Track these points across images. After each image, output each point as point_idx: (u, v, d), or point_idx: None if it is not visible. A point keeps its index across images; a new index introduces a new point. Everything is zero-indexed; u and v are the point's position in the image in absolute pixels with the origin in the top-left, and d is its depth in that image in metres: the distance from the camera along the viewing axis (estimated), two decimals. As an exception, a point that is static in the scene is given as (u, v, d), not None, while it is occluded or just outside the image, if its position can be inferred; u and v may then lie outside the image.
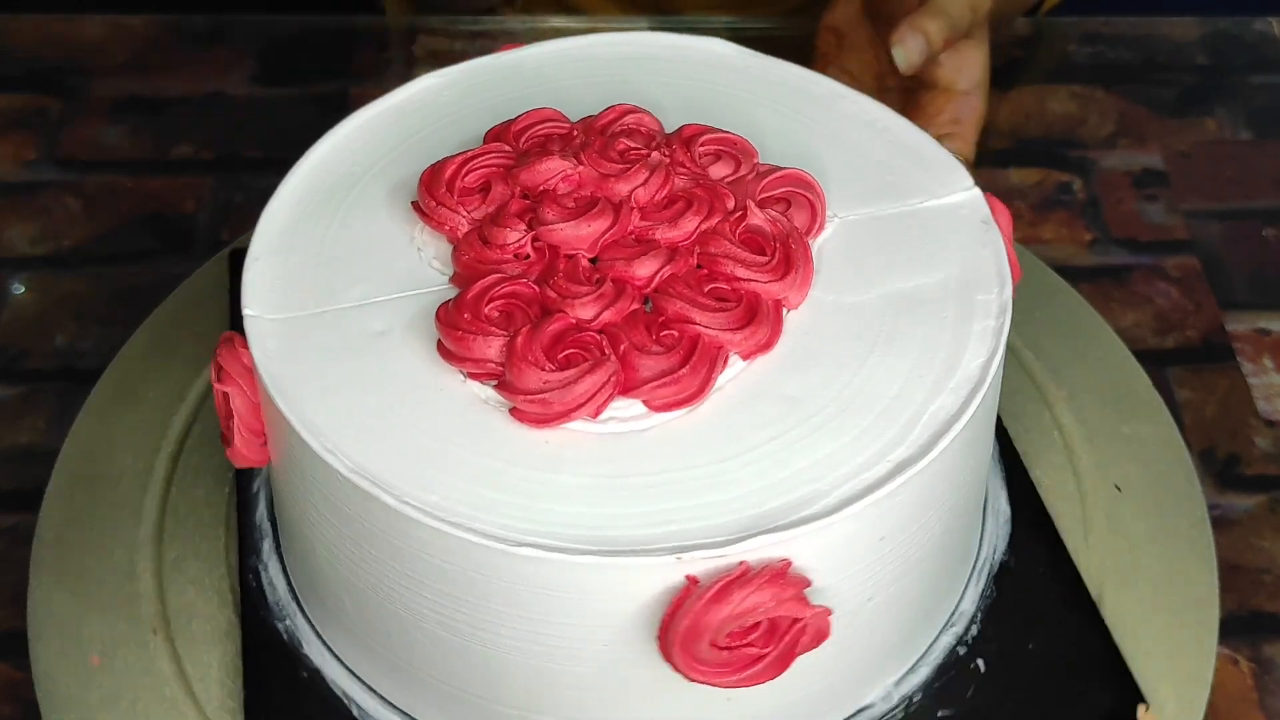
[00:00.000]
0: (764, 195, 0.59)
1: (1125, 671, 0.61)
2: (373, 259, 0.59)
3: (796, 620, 0.51)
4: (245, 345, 0.56)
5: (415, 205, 0.59)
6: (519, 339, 0.53)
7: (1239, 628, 0.68)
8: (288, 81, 0.96)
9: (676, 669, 0.51)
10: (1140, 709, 0.60)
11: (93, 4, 1.02)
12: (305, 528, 0.57)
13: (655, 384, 0.54)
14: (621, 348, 0.54)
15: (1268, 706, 0.66)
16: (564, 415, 0.53)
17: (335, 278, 0.58)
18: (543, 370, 0.53)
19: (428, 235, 0.59)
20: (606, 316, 0.55)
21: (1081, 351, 0.73)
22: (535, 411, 0.53)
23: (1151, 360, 0.77)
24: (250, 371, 0.56)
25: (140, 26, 1.00)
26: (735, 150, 0.61)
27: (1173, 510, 0.65)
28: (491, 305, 0.55)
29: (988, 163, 0.91)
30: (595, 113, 0.62)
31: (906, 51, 0.75)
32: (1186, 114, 0.95)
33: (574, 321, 0.55)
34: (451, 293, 0.57)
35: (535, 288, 0.55)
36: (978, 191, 0.62)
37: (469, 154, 0.60)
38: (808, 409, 0.54)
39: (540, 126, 0.61)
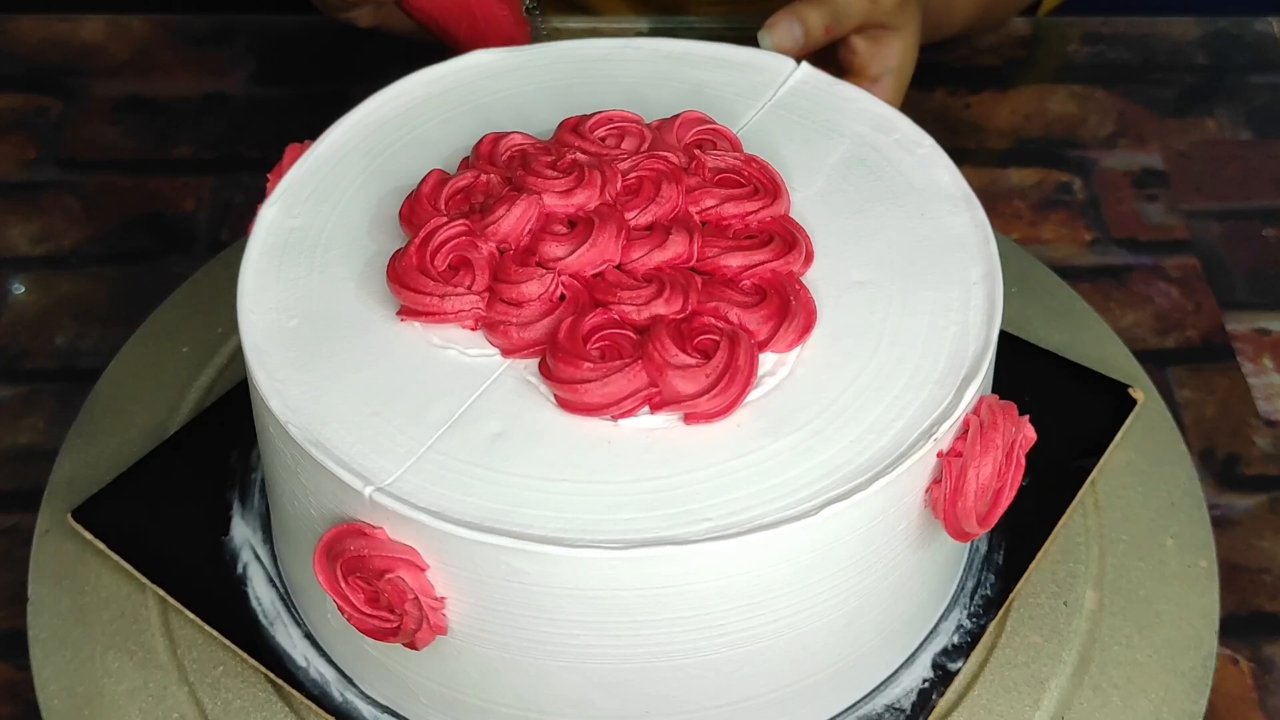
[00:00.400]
0: (687, 144, 0.61)
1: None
2: (414, 375, 0.55)
3: (1016, 440, 0.55)
4: (372, 527, 0.52)
5: (407, 312, 0.56)
6: (659, 355, 0.53)
7: (1239, 628, 0.68)
8: (288, 81, 0.96)
9: (963, 534, 0.54)
10: (1132, 390, 0.70)
11: (93, 4, 1.02)
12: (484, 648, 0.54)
13: (783, 330, 0.55)
14: (733, 314, 0.55)
15: (1268, 706, 0.66)
16: (740, 398, 0.53)
17: (404, 408, 0.54)
18: (700, 368, 0.53)
19: (439, 331, 0.57)
20: (693, 301, 0.55)
21: (1081, 352, 0.73)
22: (715, 406, 0.53)
23: (1151, 360, 0.77)
24: (401, 544, 0.52)
25: (140, 26, 1.00)
26: (625, 122, 0.62)
27: (1181, 565, 0.66)
28: (594, 345, 0.54)
29: (988, 162, 0.91)
30: (465, 149, 0.62)
31: (776, 38, 0.75)
32: (1186, 114, 0.95)
33: (675, 318, 0.55)
34: (521, 367, 0.55)
35: (611, 313, 0.55)
36: (805, 65, 0.68)
37: (419, 239, 0.57)
38: (882, 286, 0.58)
39: (452, 183, 0.60)
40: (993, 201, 0.87)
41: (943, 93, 0.95)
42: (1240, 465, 0.75)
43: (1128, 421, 0.69)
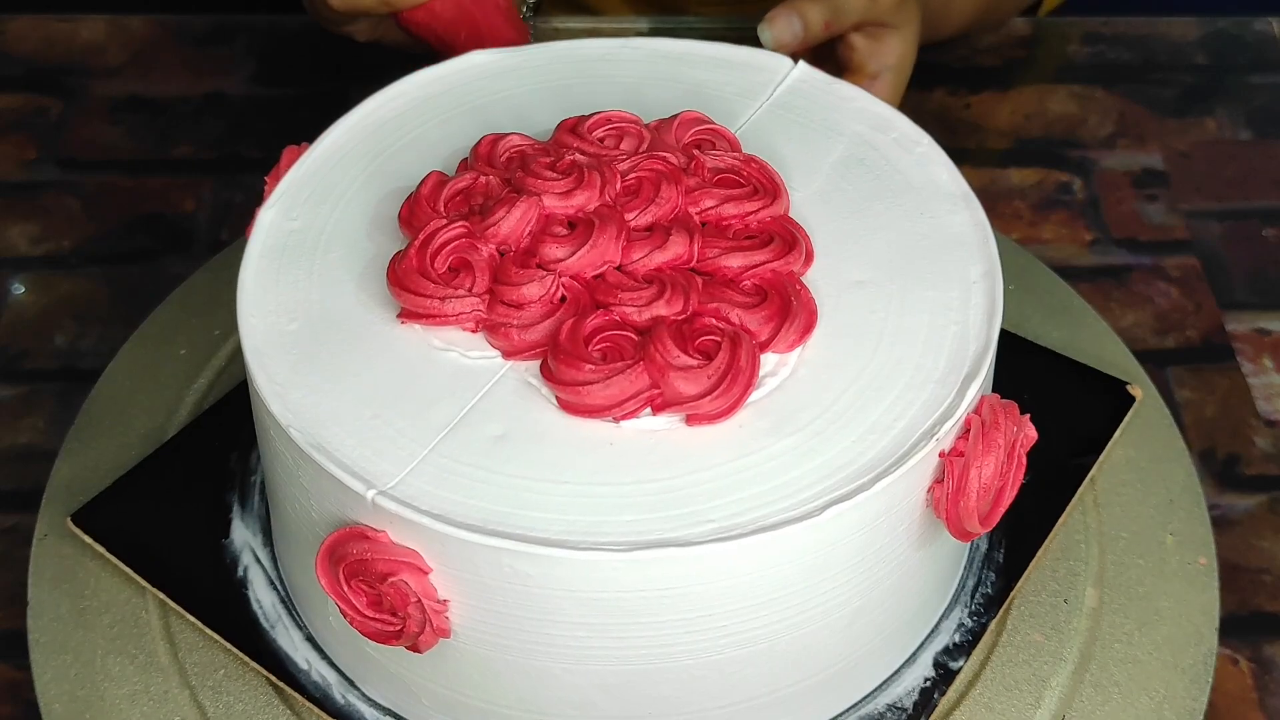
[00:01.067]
0: (686, 144, 0.61)
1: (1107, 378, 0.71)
2: (415, 378, 0.55)
3: (1017, 439, 0.55)
4: (375, 530, 0.52)
5: (407, 314, 0.56)
6: (661, 356, 0.53)
7: (1239, 628, 0.68)
8: (288, 81, 0.96)
9: (964, 534, 0.54)
10: (1130, 387, 0.70)
11: (93, 4, 1.02)
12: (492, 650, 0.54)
13: (784, 330, 0.55)
14: (734, 315, 0.55)
15: (1268, 706, 0.66)
16: (742, 399, 0.53)
17: (406, 411, 0.54)
18: (702, 370, 0.53)
19: (440, 333, 0.57)
20: (694, 302, 0.55)
21: (1081, 352, 0.73)
22: (717, 407, 0.53)
23: (1151, 360, 0.77)
24: (403, 547, 0.52)
25: (140, 26, 1.00)
26: (623, 123, 0.62)
27: (1180, 563, 0.66)
28: (595, 347, 0.54)
29: (988, 162, 0.91)
30: (463, 150, 0.62)
31: (775, 33, 0.75)
32: (1186, 114, 0.95)
33: (676, 319, 0.55)
34: (522, 369, 0.55)
35: (612, 315, 0.55)
36: (803, 64, 0.68)
37: (419, 241, 0.56)
38: (881, 286, 0.58)
39: (452, 184, 0.59)
40: (993, 201, 0.87)
41: (943, 93, 0.95)
42: (1240, 465, 0.75)
43: (1126, 419, 0.69)
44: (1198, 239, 0.87)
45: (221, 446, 0.68)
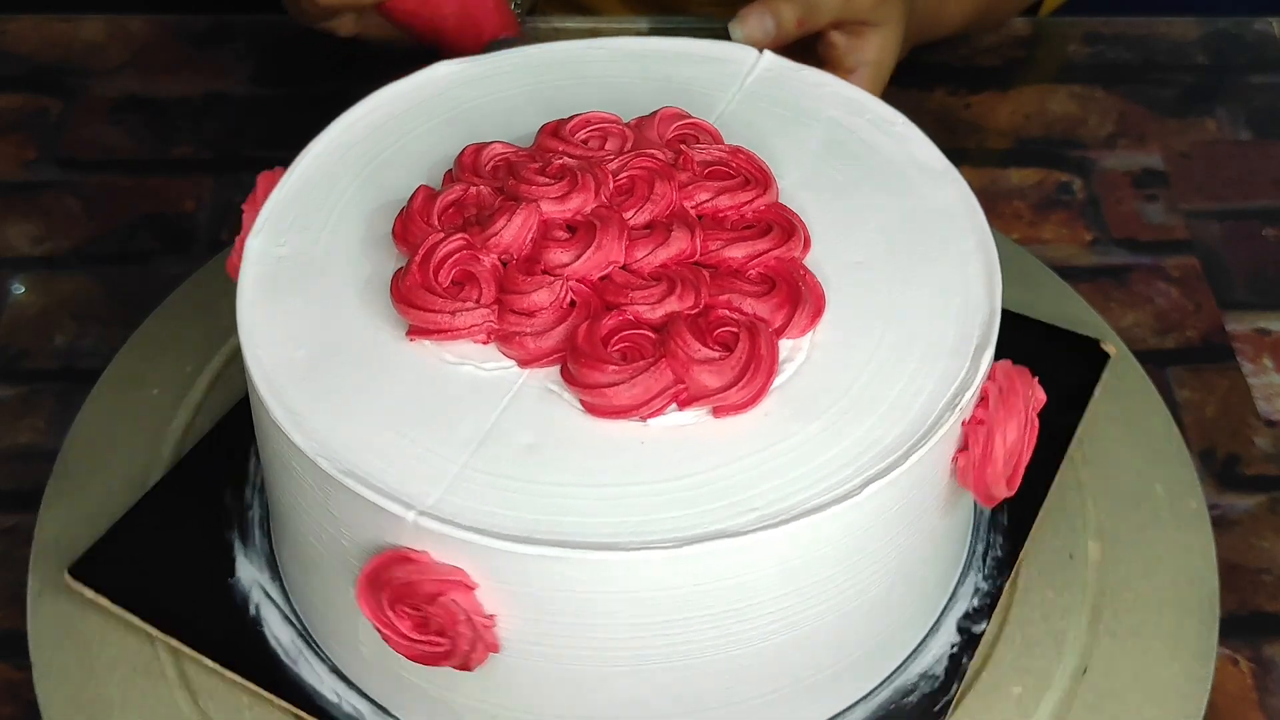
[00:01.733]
0: (669, 139, 0.61)
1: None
2: (434, 394, 0.55)
3: (1030, 402, 0.56)
4: (416, 552, 0.51)
5: (416, 331, 0.56)
6: (683, 351, 0.53)
7: (1239, 628, 0.68)
8: (288, 81, 0.96)
9: (990, 498, 0.56)
10: (1104, 344, 0.72)
11: (93, 4, 1.02)
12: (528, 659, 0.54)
13: (797, 316, 0.55)
14: (746, 305, 0.55)
15: (1268, 706, 0.66)
16: (766, 387, 0.54)
17: (431, 429, 0.54)
18: (724, 361, 0.53)
19: (451, 348, 0.56)
20: (705, 295, 0.55)
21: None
22: (743, 397, 0.53)
23: (1151, 360, 0.77)
24: (448, 565, 0.51)
25: (140, 26, 1.00)
26: (603, 123, 0.62)
27: (1173, 510, 0.67)
28: (614, 348, 0.54)
29: (988, 162, 0.91)
30: (443, 162, 0.62)
31: (747, 30, 0.75)
32: (1186, 114, 0.95)
33: (690, 314, 0.55)
34: (540, 376, 0.55)
35: (625, 314, 0.55)
36: (768, 53, 0.68)
37: (419, 256, 0.56)
38: (880, 265, 0.59)
39: (443, 197, 0.59)
40: (993, 201, 0.87)
41: (943, 93, 0.95)
42: (1240, 465, 0.75)
43: (1104, 375, 0.71)
44: (1198, 239, 0.87)
45: (214, 485, 0.67)
